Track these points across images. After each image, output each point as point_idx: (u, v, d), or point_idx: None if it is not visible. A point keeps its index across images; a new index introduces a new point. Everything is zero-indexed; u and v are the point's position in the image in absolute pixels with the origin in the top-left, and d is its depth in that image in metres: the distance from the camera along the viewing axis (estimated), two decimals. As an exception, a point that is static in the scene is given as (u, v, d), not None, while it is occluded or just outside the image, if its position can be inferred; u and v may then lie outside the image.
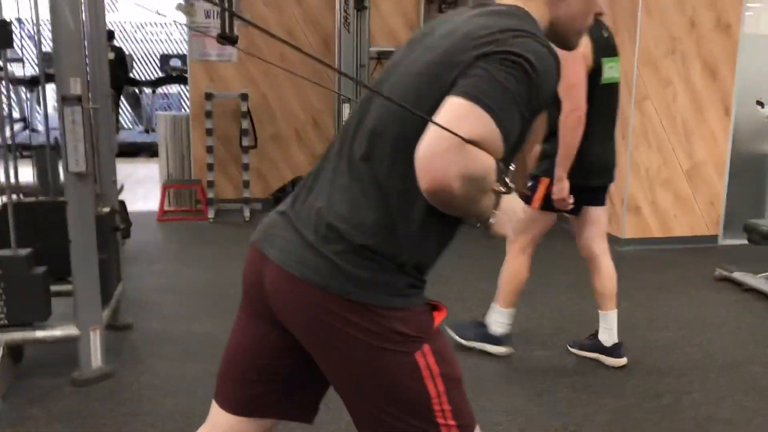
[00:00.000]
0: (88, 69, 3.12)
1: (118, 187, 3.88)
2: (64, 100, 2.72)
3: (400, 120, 1.23)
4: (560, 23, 1.35)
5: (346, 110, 5.86)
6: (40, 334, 2.89)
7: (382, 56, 6.52)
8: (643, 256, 5.11)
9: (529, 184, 3.08)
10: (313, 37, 6.57)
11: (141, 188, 7.55)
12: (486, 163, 1.12)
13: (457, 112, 1.11)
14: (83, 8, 2.98)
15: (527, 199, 3.03)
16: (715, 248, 5.39)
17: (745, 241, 4.89)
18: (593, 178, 3.01)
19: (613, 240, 5.41)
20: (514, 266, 3.16)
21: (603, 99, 2.95)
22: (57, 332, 2.92)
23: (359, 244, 1.22)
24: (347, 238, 1.22)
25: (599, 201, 3.12)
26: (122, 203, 4.16)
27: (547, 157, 2.98)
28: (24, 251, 2.85)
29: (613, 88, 2.99)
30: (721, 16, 5.21)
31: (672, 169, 5.35)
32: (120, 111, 11.31)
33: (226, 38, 2.93)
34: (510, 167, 1.26)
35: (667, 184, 5.36)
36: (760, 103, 5.47)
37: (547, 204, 2.98)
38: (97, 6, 3.30)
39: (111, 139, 3.54)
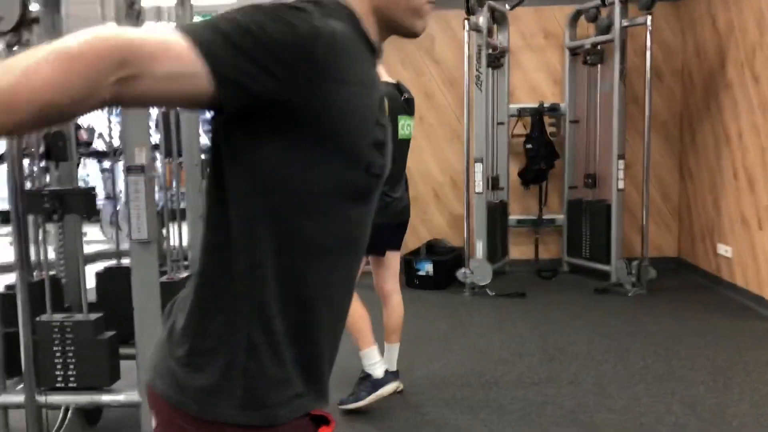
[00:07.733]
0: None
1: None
2: (129, 170, 2.79)
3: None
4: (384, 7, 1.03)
5: (479, 169, 5.57)
6: (105, 398, 2.94)
7: (522, 113, 6.20)
8: None
9: None
10: (451, 96, 6.43)
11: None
12: None
13: None
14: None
15: None
16: None
17: None
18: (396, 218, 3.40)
19: None
20: (354, 309, 3.28)
21: (396, 152, 2.99)
22: (120, 397, 2.94)
23: (198, 338, 0.99)
24: (188, 334, 1.00)
25: (397, 245, 3.53)
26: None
27: None
28: (94, 315, 2.93)
29: (404, 143, 3.34)
30: None
31: None
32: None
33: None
34: None
35: None
36: None
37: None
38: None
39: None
